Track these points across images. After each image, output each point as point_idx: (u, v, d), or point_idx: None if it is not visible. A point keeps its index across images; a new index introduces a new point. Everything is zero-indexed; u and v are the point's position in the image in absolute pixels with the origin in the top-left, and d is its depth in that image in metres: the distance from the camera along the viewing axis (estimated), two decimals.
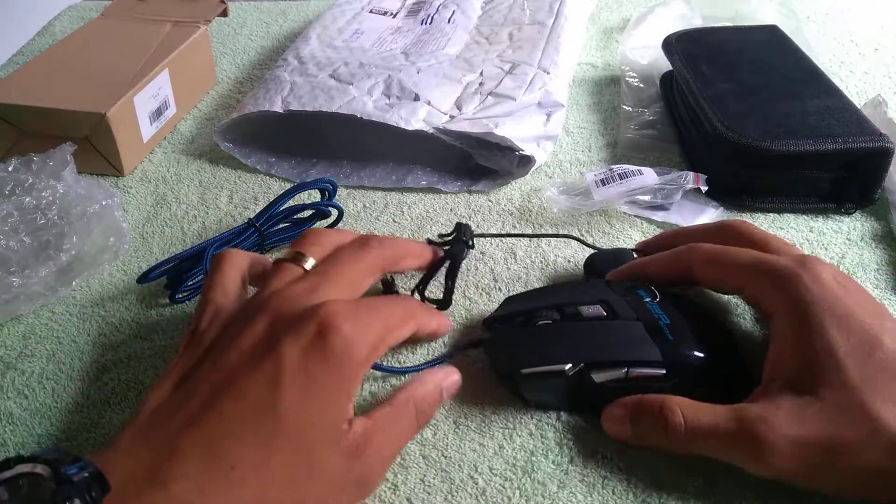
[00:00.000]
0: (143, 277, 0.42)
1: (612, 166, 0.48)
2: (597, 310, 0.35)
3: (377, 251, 0.35)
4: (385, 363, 0.38)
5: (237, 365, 0.28)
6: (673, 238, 0.39)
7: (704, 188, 0.46)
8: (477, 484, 0.32)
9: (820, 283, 0.31)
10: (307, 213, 0.46)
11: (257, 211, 0.45)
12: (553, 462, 0.33)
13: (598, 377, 0.33)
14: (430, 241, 0.41)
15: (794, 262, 0.32)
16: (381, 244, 0.35)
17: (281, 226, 0.45)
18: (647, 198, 0.47)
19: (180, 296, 0.42)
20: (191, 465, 0.25)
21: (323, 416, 0.28)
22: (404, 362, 0.38)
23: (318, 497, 0.28)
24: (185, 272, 0.42)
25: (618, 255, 0.42)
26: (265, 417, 0.27)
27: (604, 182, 0.47)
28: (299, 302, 0.30)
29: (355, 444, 0.28)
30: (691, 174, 0.46)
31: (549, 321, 0.36)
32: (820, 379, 0.29)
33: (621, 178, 0.47)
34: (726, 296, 0.41)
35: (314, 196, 0.48)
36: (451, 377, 0.34)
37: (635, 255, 0.42)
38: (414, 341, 0.39)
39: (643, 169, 0.47)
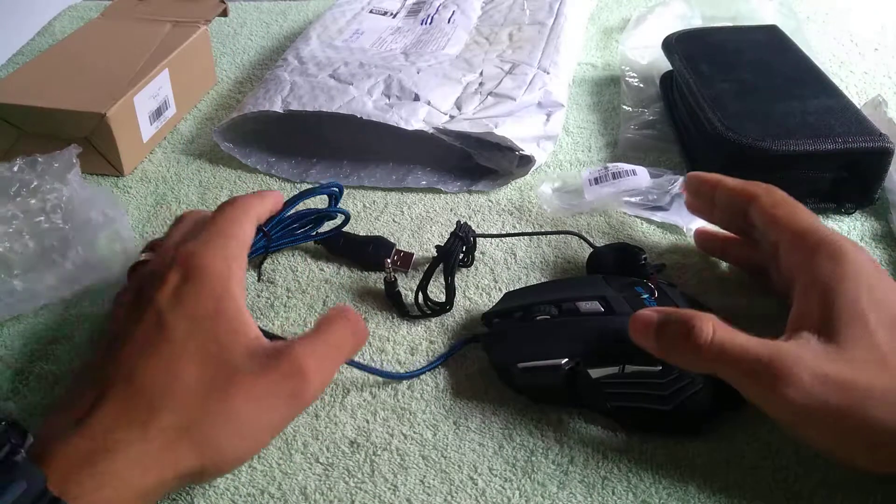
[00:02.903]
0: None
1: (608, 164, 0.48)
2: (594, 306, 0.36)
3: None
4: (384, 367, 0.38)
5: (128, 325, 0.31)
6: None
7: None
8: (476, 485, 0.32)
9: (861, 262, 0.32)
10: (313, 217, 0.45)
11: None
12: (553, 462, 0.33)
13: (594, 373, 0.33)
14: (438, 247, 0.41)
15: (844, 238, 0.33)
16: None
17: (288, 230, 0.45)
18: (637, 199, 0.47)
19: None
20: (110, 405, 0.28)
21: (216, 329, 0.30)
22: (404, 363, 0.38)
23: (249, 411, 0.29)
24: None
25: (621, 251, 0.42)
26: (161, 345, 0.29)
27: (597, 180, 0.47)
28: (159, 265, 0.33)
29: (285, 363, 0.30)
30: (681, 178, 0.46)
31: (547, 316, 0.36)
32: (848, 335, 0.30)
33: (615, 178, 0.47)
34: (727, 296, 0.41)
35: (315, 199, 0.48)
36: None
37: (640, 253, 0.42)
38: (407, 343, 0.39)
39: (637, 169, 0.47)
